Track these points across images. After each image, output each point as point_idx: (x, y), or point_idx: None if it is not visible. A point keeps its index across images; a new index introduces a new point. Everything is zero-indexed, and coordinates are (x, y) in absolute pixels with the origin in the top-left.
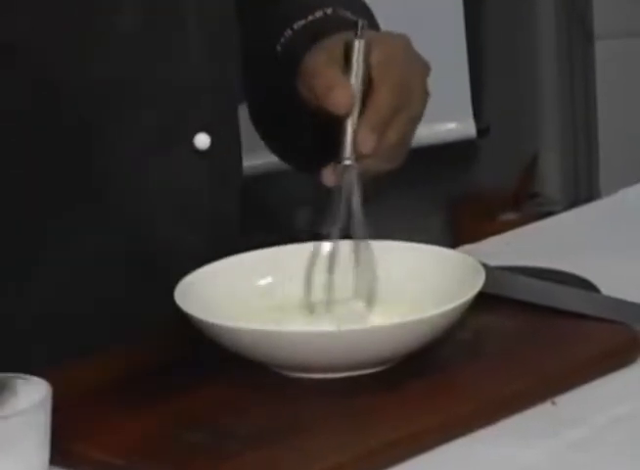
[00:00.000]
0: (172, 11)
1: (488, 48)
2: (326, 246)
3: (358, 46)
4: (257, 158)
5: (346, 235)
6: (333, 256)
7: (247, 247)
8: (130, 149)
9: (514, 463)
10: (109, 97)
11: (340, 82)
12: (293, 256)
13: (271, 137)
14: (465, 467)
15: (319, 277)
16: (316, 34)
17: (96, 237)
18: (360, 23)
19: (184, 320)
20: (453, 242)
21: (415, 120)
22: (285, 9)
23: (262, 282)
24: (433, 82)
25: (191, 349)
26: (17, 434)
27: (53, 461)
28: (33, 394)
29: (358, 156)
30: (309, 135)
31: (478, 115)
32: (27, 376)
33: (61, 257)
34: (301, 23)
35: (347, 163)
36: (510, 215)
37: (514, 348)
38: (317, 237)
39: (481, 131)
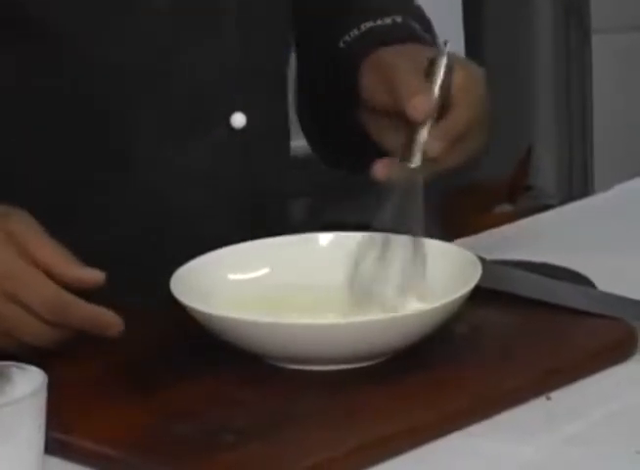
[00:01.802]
0: None
1: (485, 41)
2: (377, 238)
3: (442, 62)
4: None
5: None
6: (384, 249)
7: (245, 238)
8: (164, 131)
9: (509, 458)
10: (141, 78)
11: (424, 90)
12: (291, 246)
13: (311, 129)
14: (460, 462)
15: (363, 267)
16: (383, 39)
17: (132, 220)
18: (445, 42)
19: (179, 310)
20: (448, 235)
21: (477, 149)
22: (355, 9)
23: (260, 272)
24: None
25: (184, 340)
26: (12, 422)
27: (48, 450)
28: (29, 382)
29: (424, 158)
30: (350, 133)
31: None
32: (24, 365)
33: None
34: (369, 24)
35: (414, 166)
36: (505, 208)
37: (510, 342)
38: (366, 229)
39: None
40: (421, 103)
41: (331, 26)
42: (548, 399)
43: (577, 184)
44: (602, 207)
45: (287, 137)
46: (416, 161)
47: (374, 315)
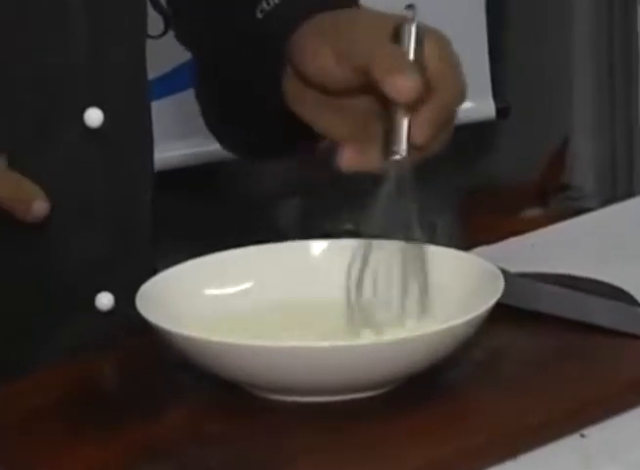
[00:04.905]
0: None
1: (511, 12)
2: (366, 245)
3: (411, 32)
4: None
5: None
6: (371, 257)
7: (232, 245)
8: (10, 132)
9: None
10: None
11: (408, 68)
12: (278, 255)
13: (222, 119)
14: None
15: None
16: (310, 4)
17: None
18: (411, 6)
19: (145, 331)
20: (467, 243)
21: (450, 133)
22: None
23: (241, 286)
24: None
25: (152, 366)
26: None
27: None
28: None
29: (411, 147)
30: (274, 115)
31: (497, 92)
32: None
33: None
34: None
35: (400, 157)
36: (534, 212)
37: (536, 369)
38: (353, 235)
39: (502, 111)
40: (407, 82)
41: None
42: (582, 436)
43: (621, 183)
44: None
45: (150, 137)
46: (402, 150)
47: (373, 338)
